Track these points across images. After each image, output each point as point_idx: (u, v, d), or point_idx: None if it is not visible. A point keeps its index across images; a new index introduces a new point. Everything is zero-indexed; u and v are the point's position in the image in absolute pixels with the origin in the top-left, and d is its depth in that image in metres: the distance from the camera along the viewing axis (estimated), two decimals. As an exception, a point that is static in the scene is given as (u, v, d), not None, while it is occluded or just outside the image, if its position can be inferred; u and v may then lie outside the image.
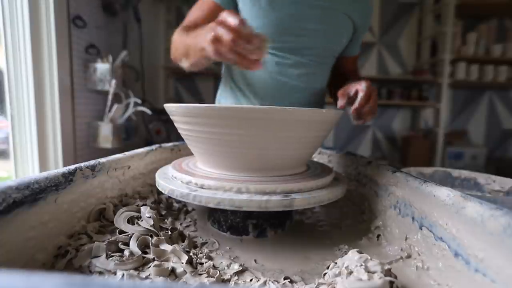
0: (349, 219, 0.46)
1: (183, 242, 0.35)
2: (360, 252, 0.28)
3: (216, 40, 0.39)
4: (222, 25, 0.38)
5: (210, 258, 0.33)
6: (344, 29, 0.72)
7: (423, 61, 2.58)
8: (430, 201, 0.31)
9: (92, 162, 0.38)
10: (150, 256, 0.30)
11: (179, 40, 0.60)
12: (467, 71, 2.42)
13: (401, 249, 0.34)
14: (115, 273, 0.28)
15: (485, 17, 2.50)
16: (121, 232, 0.34)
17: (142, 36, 1.92)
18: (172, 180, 0.39)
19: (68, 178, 0.33)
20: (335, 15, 0.70)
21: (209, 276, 0.28)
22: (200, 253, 0.33)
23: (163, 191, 0.38)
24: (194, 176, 0.37)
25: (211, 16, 0.66)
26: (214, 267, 0.30)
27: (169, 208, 0.47)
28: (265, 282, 0.28)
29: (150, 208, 0.38)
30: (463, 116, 2.70)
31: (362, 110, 0.55)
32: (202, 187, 0.36)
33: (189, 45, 0.53)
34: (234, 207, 0.33)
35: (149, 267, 0.29)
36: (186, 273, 0.28)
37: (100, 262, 0.29)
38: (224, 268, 0.31)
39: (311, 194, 0.36)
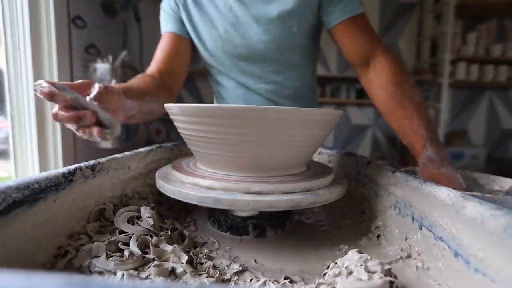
0: (349, 219, 0.46)
1: (183, 242, 0.35)
2: (360, 252, 0.28)
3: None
4: None
5: (210, 258, 0.33)
6: (282, 19, 0.65)
7: (423, 61, 2.58)
8: (430, 201, 0.31)
9: (92, 162, 0.38)
10: (150, 256, 0.30)
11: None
12: (467, 71, 2.42)
13: (401, 249, 0.34)
14: (115, 273, 0.28)
15: (485, 17, 2.50)
16: (121, 232, 0.34)
17: (142, 36, 1.92)
18: (185, 185, 0.38)
19: (68, 178, 0.33)
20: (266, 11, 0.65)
21: (209, 276, 0.28)
22: (200, 253, 0.33)
23: (177, 198, 0.37)
24: (207, 179, 0.37)
25: (174, 49, 0.70)
26: (214, 267, 0.30)
27: (169, 208, 0.47)
28: (265, 282, 0.28)
29: (150, 208, 0.38)
30: (463, 116, 2.70)
31: None
32: (221, 189, 0.35)
33: None
34: (252, 209, 0.33)
35: (149, 267, 0.29)
36: (186, 273, 0.28)
37: (100, 262, 0.29)
38: (224, 268, 0.31)
39: (314, 193, 0.36)
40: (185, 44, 0.73)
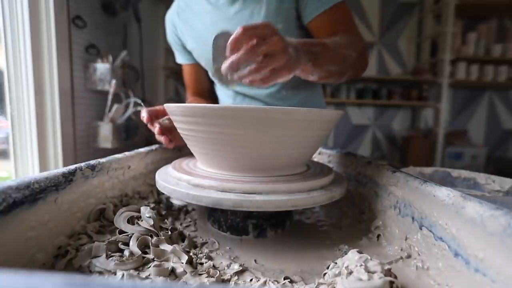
0: (349, 219, 0.46)
1: (183, 242, 0.35)
2: (360, 252, 0.28)
3: None
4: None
5: (210, 258, 0.33)
6: (267, 12, 0.63)
7: (423, 61, 2.58)
8: (430, 201, 0.31)
9: (92, 162, 0.38)
10: (150, 256, 0.30)
11: None
12: (467, 71, 2.43)
13: (401, 249, 0.34)
14: (115, 273, 0.28)
15: (485, 17, 2.50)
16: (121, 232, 0.34)
17: (142, 36, 1.92)
18: (183, 184, 0.38)
19: (68, 178, 0.33)
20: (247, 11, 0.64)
21: (209, 276, 0.28)
22: (200, 253, 0.33)
23: (177, 198, 0.36)
24: (206, 179, 0.37)
25: (193, 76, 0.85)
26: (214, 267, 0.30)
27: (169, 208, 0.47)
28: (265, 282, 0.28)
29: (150, 208, 0.38)
30: (463, 116, 2.70)
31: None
32: (221, 189, 0.35)
33: None
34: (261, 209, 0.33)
35: (149, 267, 0.29)
36: (186, 273, 0.28)
37: (100, 262, 0.29)
38: (224, 268, 0.31)
39: (314, 193, 0.36)
40: (199, 68, 0.83)
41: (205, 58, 0.74)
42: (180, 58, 0.84)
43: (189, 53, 0.80)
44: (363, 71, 0.63)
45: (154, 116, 0.55)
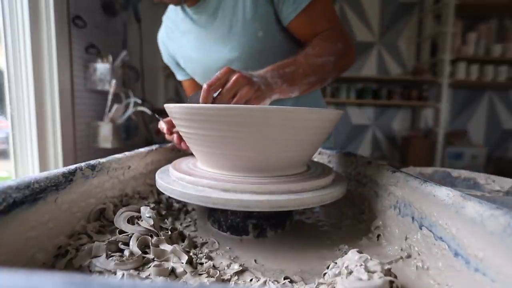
0: (349, 219, 0.46)
1: (183, 242, 0.35)
2: (360, 252, 0.28)
3: None
4: None
5: (210, 258, 0.33)
6: (249, 26, 0.62)
7: (423, 61, 2.58)
8: (430, 201, 0.31)
9: (92, 162, 0.38)
10: (150, 256, 0.30)
11: None
12: (467, 71, 2.42)
13: (401, 249, 0.34)
14: (115, 273, 0.28)
15: (485, 17, 2.50)
16: (121, 232, 0.34)
17: (142, 36, 1.91)
18: (187, 185, 0.37)
19: (68, 178, 0.33)
20: (228, 24, 0.63)
21: (209, 276, 0.28)
22: (200, 253, 0.33)
23: (181, 199, 0.36)
24: (209, 179, 0.36)
25: (194, 90, 0.85)
26: (214, 267, 0.30)
27: (169, 208, 0.47)
28: (265, 282, 0.28)
29: (150, 208, 0.38)
30: (463, 116, 2.70)
31: None
32: (228, 190, 0.35)
33: None
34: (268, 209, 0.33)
35: (149, 267, 0.29)
36: (186, 273, 0.28)
37: (100, 262, 0.29)
38: (224, 268, 0.31)
39: (314, 193, 0.36)
40: (197, 82, 0.84)
41: (197, 74, 0.76)
42: (179, 76, 0.86)
43: (184, 69, 0.82)
44: (351, 63, 0.63)
45: (171, 126, 0.56)
